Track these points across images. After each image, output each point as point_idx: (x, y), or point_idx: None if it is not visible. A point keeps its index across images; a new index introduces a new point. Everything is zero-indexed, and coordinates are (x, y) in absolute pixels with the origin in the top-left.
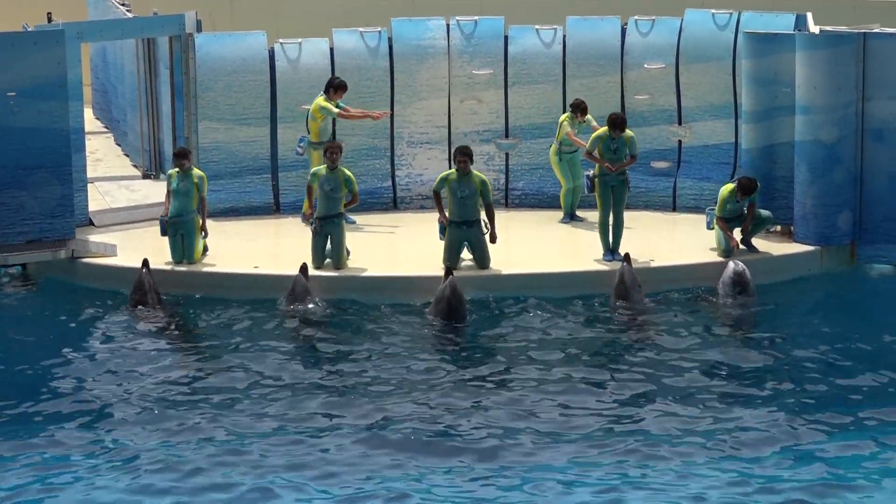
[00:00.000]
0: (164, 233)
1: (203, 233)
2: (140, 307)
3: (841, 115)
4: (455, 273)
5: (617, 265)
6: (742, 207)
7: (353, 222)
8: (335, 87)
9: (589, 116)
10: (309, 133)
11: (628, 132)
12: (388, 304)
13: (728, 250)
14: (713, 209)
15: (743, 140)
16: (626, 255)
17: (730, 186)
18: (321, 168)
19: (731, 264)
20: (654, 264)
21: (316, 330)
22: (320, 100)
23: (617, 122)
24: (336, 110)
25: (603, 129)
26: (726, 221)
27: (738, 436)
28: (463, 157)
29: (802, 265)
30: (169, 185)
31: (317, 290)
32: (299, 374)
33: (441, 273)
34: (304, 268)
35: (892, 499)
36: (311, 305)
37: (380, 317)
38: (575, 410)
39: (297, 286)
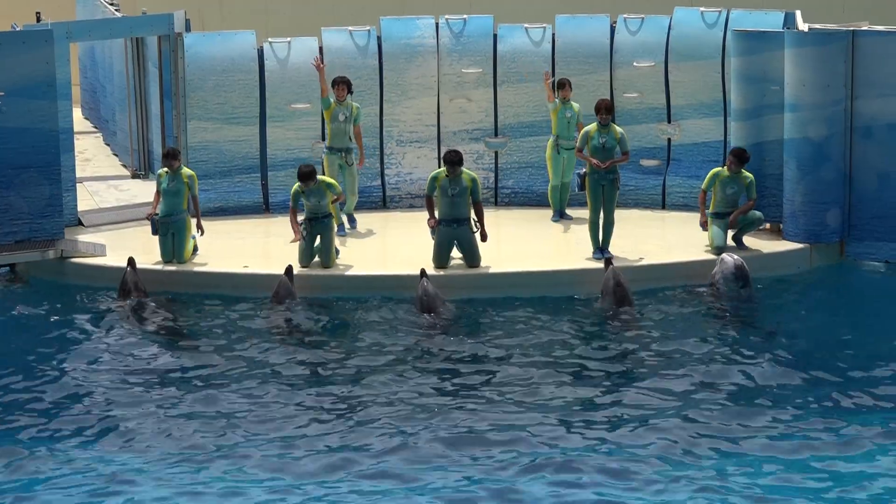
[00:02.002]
0: (154, 232)
1: (199, 231)
2: (126, 306)
3: (830, 112)
4: (445, 271)
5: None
6: (737, 200)
7: (354, 226)
8: (333, 85)
9: (575, 105)
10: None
11: (618, 128)
12: (377, 302)
13: (721, 247)
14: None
15: (732, 138)
16: (608, 259)
17: (718, 170)
18: (299, 185)
19: (728, 259)
20: (643, 262)
21: (304, 330)
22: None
23: (602, 106)
24: (325, 93)
25: (590, 126)
26: (719, 216)
27: (733, 435)
28: (452, 166)
29: (792, 263)
30: (158, 184)
31: (302, 291)
32: (289, 374)
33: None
34: (289, 270)
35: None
36: (294, 306)
37: (368, 316)
38: (569, 408)
39: (281, 288)
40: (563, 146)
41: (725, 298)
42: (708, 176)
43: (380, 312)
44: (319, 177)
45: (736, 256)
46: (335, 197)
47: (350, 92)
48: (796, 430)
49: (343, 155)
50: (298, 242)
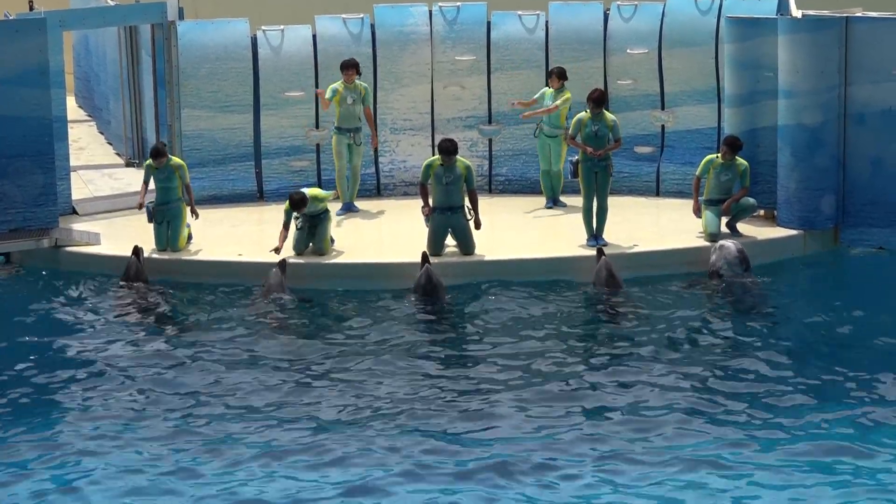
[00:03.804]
0: (150, 219)
1: (194, 215)
2: (126, 294)
3: (824, 99)
4: (440, 259)
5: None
6: (731, 187)
7: (357, 210)
8: (342, 69)
9: (568, 94)
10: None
11: (610, 116)
12: (371, 290)
13: (715, 234)
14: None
15: (726, 124)
16: (600, 248)
17: (712, 157)
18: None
19: (730, 245)
20: (637, 249)
21: (298, 318)
22: (335, 83)
23: (593, 97)
24: (326, 98)
25: (583, 113)
26: (713, 203)
27: (727, 422)
28: (447, 155)
29: (786, 249)
30: (146, 174)
31: (296, 280)
32: (285, 363)
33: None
34: (282, 263)
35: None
36: (285, 297)
37: (362, 304)
38: (564, 395)
39: (271, 279)
40: (543, 132)
41: (728, 285)
42: (702, 163)
43: (374, 300)
44: (309, 192)
45: (735, 242)
46: (329, 199)
47: (358, 74)
48: (793, 419)
49: (352, 135)
50: (294, 231)
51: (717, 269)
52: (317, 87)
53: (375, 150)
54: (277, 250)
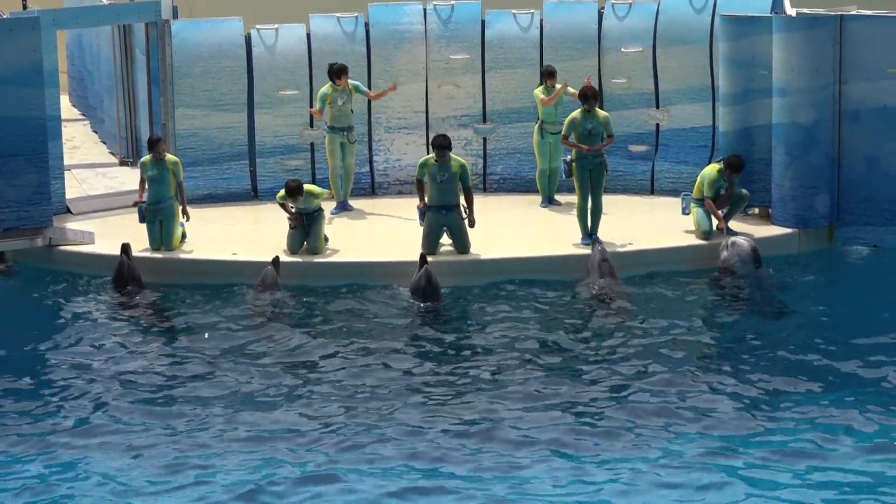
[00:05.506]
0: (142, 220)
1: (185, 216)
2: (119, 294)
3: (818, 97)
4: (435, 258)
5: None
6: (722, 187)
7: (352, 209)
8: (334, 75)
9: (559, 85)
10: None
11: (602, 112)
12: (366, 289)
13: (708, 231)
14: (689, 195)
15: (720, 123)
16: (596, 237)
17: (714, 167)
18: (282, 193)
19: (743, 242)
20: (633, 248)
21: (293, 318)
22: (324, 87)
23: (588, 94)
24: (317, 106)
25: (576, 112)
26: (702, 202)
27: (721, 417)
28: (441, 150)
29: (781, 247)
30: (142, 172)
31: (291, 279)
32: (279, 361)
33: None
34: (276, 260)
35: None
36: (279, 296)
37: (355, 303)
38: (559, 394)
39: (267, 278)
40: (548, 131)
41: (740, 280)
42: (707, 182)
43: (369, 299)
44: (304, 187)
45: (747, 239)
46: (324, 197)
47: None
48: (794, 418)
49: (345, 133)
50: (288, 230)
51: (730, 266)
52: (311, 87)
53: (370, 151)
54: (293, 226)
